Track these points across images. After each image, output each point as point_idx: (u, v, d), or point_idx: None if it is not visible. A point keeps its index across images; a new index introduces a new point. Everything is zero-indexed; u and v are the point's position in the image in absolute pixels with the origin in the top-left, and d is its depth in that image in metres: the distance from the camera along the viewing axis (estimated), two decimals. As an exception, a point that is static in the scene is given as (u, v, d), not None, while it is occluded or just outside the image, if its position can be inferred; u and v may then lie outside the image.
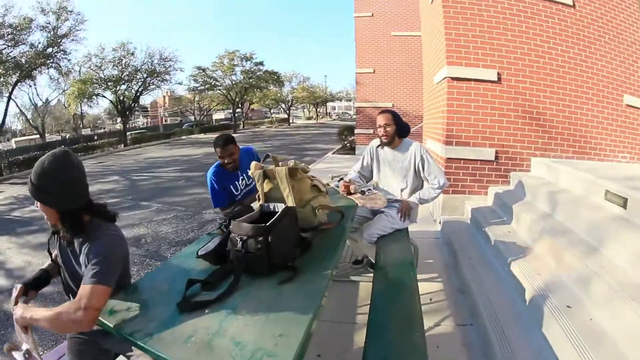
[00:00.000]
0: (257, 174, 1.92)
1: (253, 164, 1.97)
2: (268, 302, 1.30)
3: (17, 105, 32.50)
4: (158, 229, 6.02)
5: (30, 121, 36.22)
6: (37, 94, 36.59)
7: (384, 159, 3.12)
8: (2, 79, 22.01)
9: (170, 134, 35.01)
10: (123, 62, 28.36)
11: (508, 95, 4.26)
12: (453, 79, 4.31)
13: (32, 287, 1.58)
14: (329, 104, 67.60)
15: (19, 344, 1.44)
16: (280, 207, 1.71)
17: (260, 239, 1.42)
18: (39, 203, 1.43)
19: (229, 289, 1.36)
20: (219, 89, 37.96)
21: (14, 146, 32.63)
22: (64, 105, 33.13)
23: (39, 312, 1.34)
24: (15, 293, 1.51)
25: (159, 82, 30.86)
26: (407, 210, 2.93)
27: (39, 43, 22.44)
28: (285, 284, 1.40)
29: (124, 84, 28.67)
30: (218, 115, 57.62)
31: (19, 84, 23.21)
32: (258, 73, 37.81)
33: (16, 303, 1.47)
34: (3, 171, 17.86)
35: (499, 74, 4.23)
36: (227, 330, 1.15)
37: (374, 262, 2.74)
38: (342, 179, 3.10)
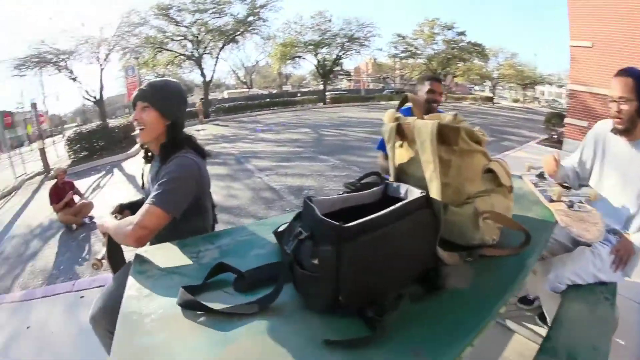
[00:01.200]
0: (388, 128, 1.15)
1: (388, 112, 1.20)
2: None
3: (229, 65, 39.10)
4: (324, 184, 5.92)
5: (241, 78, 43.32)
6: (247, 56, 42.99)
7: (613, 156, 1.79)
8: (211, 44, 27.43)
9: (370, 97, 35.84)
10: (322, 28, 30.58)
11: None
12: None
13: (127, 208, 1.60)
14: (538, 88, 57.69)
15: None
16: (414, 193, 0.93)
17: (327, 248, 0.70)
18: (147, 111, 1.43)
19: (247, 306, 0.78)
20: (420, 58, 36.51)
21: (227, 97, 40.34)
22: (270, 65, 37.83)
23: (110, 222, 1.38)
24: (111, 210, 1.56)
25: (358, 47, 31.81)
26: (626, 255, 1.65)
27: (239, 14, 27.00)
28: (337, 348, 0.66)
29: (323, 47, 30.82)
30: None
31: (227, 47, 28.20)
32: (461, 44, 34.72)
33: None
34: (210, 114, 23.51)
35: None
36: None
37: (546, 316, 1.78)
38: (542, 174, 1.90)
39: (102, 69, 20.22)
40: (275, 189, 5.72)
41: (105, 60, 20.45)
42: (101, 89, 20.16)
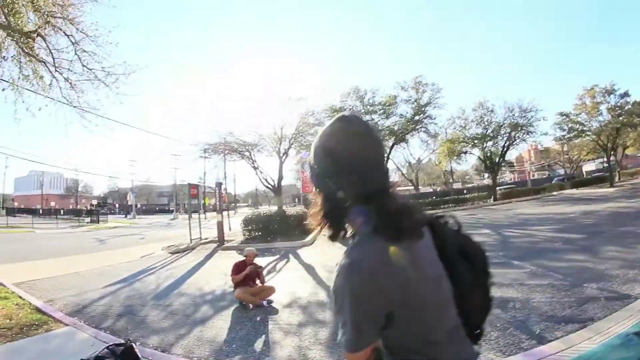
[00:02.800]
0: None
1: None
2: None
3: (394, 163, 41.24)
4: (529, 296, 5.58)
5: (406, 175, 44.32)
6: (411, 154, 45.40)
7: None
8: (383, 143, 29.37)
9: (539, 189, 33.35)
10: (485, 119, 30.05)
11: None
12: None
13: None
14: None
15: None
16: None
17: None
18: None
19: None
20: (587, 135, 32.96)
21: (391, 194, 42.10)
22: (435, 162, 37.89)
23: None
24: None
25: (524, 135, 30.03)
26: None
27: (407, 113, 28.87)
28: None
29: (489, 140, 30.04)
30: (588, 167, 50.31)
31: (395, 146, 29.66)
32: (626, 107, 30.24)
33: None
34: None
35: None
36: None
37: None
38: None
39: (282, 162, 23.41)
40: (478, 301, 5.67)
41: (284, 154, 23.88)
42: (280, 179, 23.27)
